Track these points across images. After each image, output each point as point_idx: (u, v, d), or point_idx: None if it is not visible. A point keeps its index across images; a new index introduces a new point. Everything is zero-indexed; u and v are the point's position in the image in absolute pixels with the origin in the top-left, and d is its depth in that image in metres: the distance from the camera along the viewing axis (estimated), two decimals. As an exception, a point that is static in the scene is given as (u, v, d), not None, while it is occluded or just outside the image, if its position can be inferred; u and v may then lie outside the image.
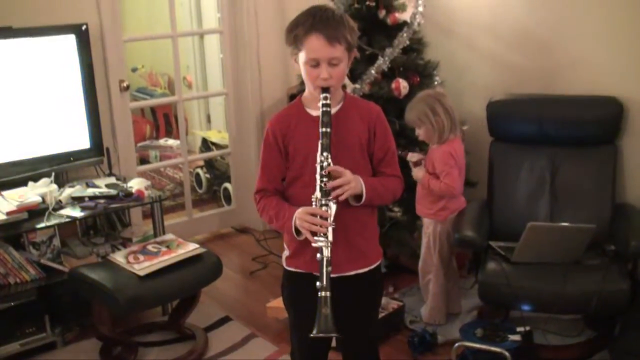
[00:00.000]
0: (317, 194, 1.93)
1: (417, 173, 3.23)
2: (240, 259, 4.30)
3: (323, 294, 1.87)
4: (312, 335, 1.86)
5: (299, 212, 1.96)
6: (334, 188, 1.93)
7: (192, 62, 6.39)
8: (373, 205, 2.10)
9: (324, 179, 1.92)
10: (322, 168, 1.93)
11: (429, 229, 3.28)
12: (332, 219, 1.91)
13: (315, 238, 1.91)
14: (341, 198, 1.94)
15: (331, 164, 1.94)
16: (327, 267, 1.89)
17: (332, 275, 1.92)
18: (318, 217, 1.91)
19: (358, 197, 2.01)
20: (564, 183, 3.26)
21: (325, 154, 1.93)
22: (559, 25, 3.42)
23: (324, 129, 1.94)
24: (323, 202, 1.92)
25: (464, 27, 3.84)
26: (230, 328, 3.40)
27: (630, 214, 3.13)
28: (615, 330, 2.89)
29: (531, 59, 3.57)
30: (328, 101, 1.96)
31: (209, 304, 3.60)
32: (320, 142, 1.94)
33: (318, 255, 1.90)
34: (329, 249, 1.90)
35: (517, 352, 2.75)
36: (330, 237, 1.90)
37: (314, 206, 1.94)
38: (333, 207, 1.93)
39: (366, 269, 2.13)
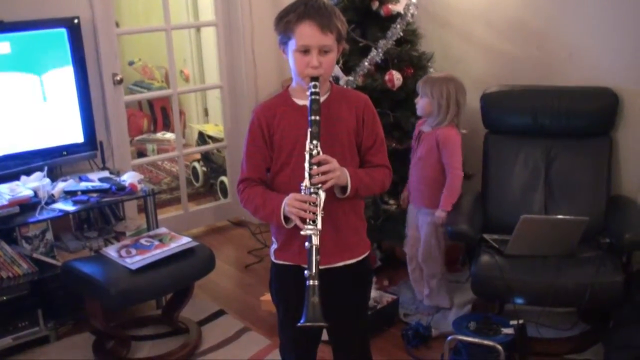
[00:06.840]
0: (306, 181, 1.91)
1: (439, 215, 3.20)
2: (236, 252, 4.30)
3: (311, 282, 1.84)
4: (299, 324, 1.83)
5: (288, 198, 1.94)
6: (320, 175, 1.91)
7: (189, 55, 6.36)
8: (360, 196, 2.08)
9: (313, 167, 1.90)
10: (311, 156, 1.91)
11: (429, 219, 3.26)
12: (321, 206, 1.90)
13: (305, 225, 1.89)
14: (324, 186, 1.92)
15: (320, 153, 1.92)
16: (315, 255, 1.86)
17: (320, 267, 1.89)
18: (307, 203, 1.89)
19: (344, 189, 2.00)
20: (558, 175, 3.24)
21: (314, 142, 1.91)
22: (554, 16, 3.39)
23: (313, 117, 1.92)
24: (312, 190, 1.90)
25: (459, 18, 3.81)
26: (224, 322, 3.40)
27: (625, 206, 3.12)
28: (610, 324, 2.88)
29: (526, 50, 3.53)
30: (317, 89, 1.94)
31: (204, 298, 3.60)
32: (309, 130, 1.92)
33: (307, 243, 1.88)
34: (318, 237, 1.87)
35: (510, 346, 2.74)
36: (319, 225, 1.88)
37: (303, 194, 1.92)
38: (322, 194, 1.90)
39: (354, 260, 2.12)
